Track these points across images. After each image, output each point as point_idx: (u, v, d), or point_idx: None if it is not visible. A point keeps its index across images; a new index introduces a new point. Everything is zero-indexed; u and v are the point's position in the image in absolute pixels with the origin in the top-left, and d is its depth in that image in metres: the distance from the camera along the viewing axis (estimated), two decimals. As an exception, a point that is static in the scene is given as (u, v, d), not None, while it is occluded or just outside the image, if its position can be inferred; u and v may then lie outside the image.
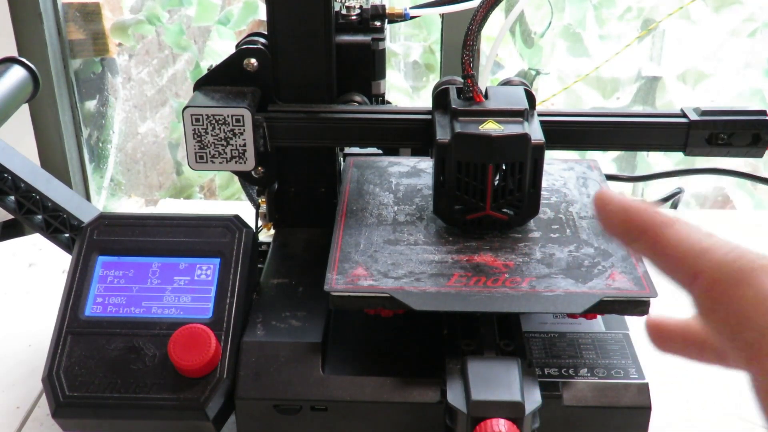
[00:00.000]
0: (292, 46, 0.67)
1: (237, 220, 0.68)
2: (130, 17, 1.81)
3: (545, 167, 0.63)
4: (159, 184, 2.04)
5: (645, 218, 0.36)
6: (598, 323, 0.65)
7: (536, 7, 1.78)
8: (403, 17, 0.74)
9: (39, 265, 0.92)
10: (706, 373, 0.72)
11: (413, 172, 0.74)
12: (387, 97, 0.75)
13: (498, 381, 0.56)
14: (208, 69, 0.69)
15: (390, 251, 0.62)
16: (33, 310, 0.83)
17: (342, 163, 0.77)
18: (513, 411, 0.54)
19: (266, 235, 0.77)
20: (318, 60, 0.68)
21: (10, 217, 0.74)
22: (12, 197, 0.73)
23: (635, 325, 0.65)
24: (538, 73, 1.83)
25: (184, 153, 0.68)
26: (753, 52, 1.88)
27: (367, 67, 0.71)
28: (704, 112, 0.67)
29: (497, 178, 0.63)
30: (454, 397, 0.56)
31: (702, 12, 1.87)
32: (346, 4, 0.71)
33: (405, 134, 0.68)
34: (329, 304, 0.59)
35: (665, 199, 0.82)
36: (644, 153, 1.80)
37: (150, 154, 2.00)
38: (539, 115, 0.65)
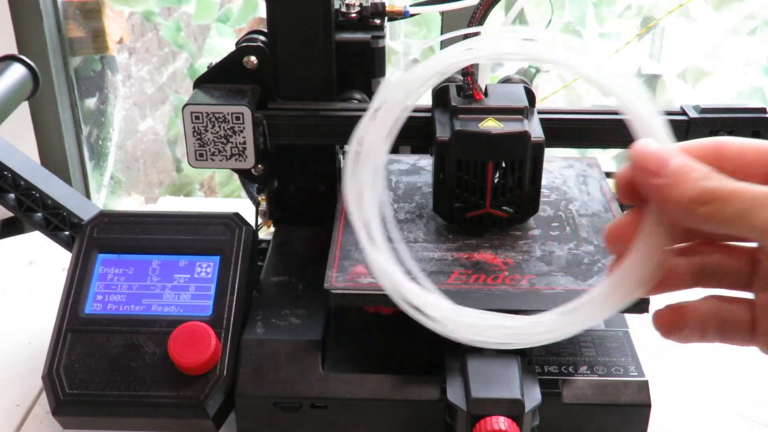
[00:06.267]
0: (291, 43, 0.67)
1: (237, 217, 0.68)
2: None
3: (545, 165, 0.63)
4: (159, 182, 2.04)
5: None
6: (598, 321, 0.65)
7: (536, 5, 1.78)
8: (402, 15, 0.74)
9: (39, 263, 0.92)
10: (706, 371, 0.72)
11: (413, 170, 0.74)
12: (387, 95, 0.75)
13: (498, 378, 0.56)
14: (208, 66, 0.69)
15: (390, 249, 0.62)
16: (33, 307, 0.83)
17: (342, 160, 0.77)
18: (513, 408, 0.54)
19: (266, 233, 0.77)
20: (318, 58, 0.68)
21: (10, 214, 0.74)
22: (12, 195, 0.73)
23: (635, 323, 0.65)
24: (538, 70, 1.83)
25: (184, 150, 0.68)
26: (753, 50, 1.88)
27: (366, 64, 0.71)
28: (704, 110, 0.67)
29: (497, 175, 0.63)
30: (454, 394, 0.56)
31: (702, 10, 1.87)
32: (346, 2, 0.71)
33: (405, 132, 0.67)
34: (329, 302, 0.59)
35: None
36: (644, 151, 1.79)
37: (150, 152, 2.00)
38: (539, 112, 0.65)
